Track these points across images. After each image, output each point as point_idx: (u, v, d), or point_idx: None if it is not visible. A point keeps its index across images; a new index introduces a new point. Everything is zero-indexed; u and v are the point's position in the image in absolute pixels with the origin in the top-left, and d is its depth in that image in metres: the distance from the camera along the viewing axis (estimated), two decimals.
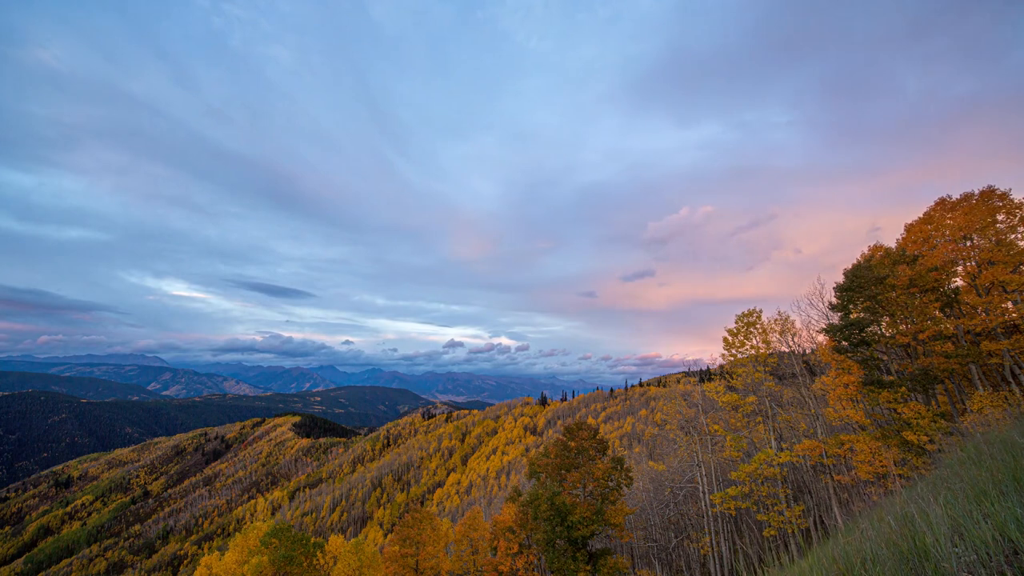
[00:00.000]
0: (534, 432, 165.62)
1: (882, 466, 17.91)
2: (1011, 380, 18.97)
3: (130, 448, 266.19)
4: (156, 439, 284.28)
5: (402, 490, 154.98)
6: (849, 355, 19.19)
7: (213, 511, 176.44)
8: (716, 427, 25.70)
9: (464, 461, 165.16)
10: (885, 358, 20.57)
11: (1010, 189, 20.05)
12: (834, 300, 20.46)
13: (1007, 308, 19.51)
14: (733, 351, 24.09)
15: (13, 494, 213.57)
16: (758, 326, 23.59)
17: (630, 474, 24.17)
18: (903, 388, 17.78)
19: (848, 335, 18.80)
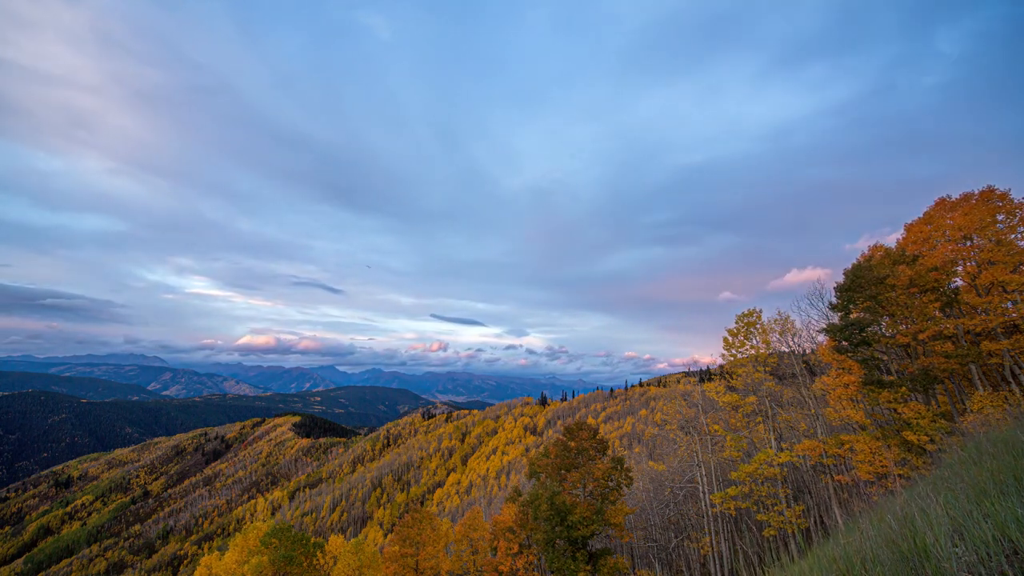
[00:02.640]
0: (534, 432, 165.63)
1: (882, 466, 17.91)
2: (1011, 380, 18.98)
3: (130, 448, 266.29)
4: (156, 439, 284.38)
5: (402, 490, 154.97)
6: (849, 355, 19.20)
7: (213, 511, 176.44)
8: (716, 427, 25.72)
9: (464, 461, 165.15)
10: (885, 358, 20.57)
11: (1010, 189, 20.09)
12: (834, 300, 20.48)
13: (1007, 308, 19.52)
14: (733, 351, 24.14)
15: (13, 494, 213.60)
16: (758, 326, 23.63)
17: (630, 474, 24.17)
18: (903, 388, 17.78)
19: (848, 335, 18.81)
